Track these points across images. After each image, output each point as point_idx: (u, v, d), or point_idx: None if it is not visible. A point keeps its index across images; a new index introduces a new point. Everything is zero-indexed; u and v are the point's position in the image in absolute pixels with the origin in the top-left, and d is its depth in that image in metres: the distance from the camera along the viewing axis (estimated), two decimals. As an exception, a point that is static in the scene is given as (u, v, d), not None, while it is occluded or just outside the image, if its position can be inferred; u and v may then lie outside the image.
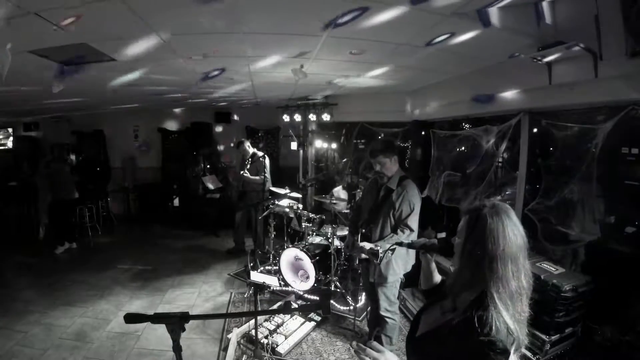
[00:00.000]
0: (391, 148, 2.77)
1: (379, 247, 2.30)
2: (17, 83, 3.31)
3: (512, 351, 1.00)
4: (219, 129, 8.10)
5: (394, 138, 6.12)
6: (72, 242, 5.87)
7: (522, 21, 2.37)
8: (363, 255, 2.66)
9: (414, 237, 2.68)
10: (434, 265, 1.48)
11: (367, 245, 2.55)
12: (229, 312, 3.85)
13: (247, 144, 5.44)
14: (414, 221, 2.68)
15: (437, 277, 1.48)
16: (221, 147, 8.15)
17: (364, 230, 2.83)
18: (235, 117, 8.07)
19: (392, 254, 2.62)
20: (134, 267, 5.12)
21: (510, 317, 1.01)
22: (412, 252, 2.68)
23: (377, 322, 2.98)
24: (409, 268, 2.85)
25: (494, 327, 0.97)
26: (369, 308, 3.22)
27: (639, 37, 1.97)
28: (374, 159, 2.75)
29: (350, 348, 1.30)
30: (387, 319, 2.86)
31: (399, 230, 2.66)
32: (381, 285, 2.82)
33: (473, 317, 1.01)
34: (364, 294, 4.05)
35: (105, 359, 3.05)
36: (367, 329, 3.43)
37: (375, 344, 1.15)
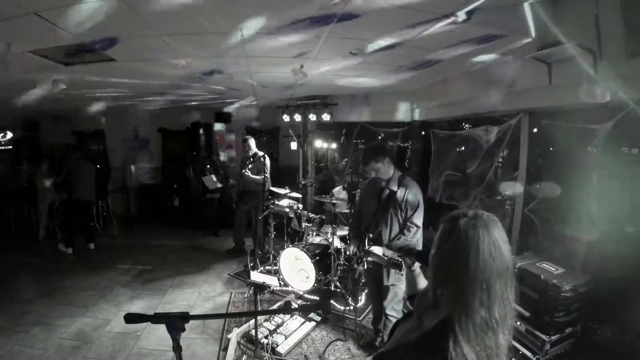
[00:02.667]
0: (381, 151, 2.72)
1: (399, 258, 2.20)
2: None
3: None
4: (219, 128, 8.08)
5: (394, 138, 6.14)
6: (91, 243, 5.84)
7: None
8: (372, 259, 2.58)
9: (420, 233, 2.69)
10: (417, 270, 1.37)
11: (378, 252, 2.49)
12: (229, 312, 3.84)
13: (252, 142, 5.44)
14: (419, 218, 2.69)
15: (423, 283, 1.36)
16: (221, 147, 8.13)
17: (371, 235, 2.76)
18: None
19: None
20: (134, 267, 5.11)
21: (473, 352, 0.86)
22: None
23: (380, 321, 3.00)
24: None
25: None
26: (371, 308, 3.17)
27: (639, 37, 1.97)
28: (367, 166, 2.72)
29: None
30: (392, 318, 2.86)
31: (405, 230, 2.65)
32: (395, 286, 2.83)
33: (431, 345, 0.90)
34: (364, 294, 4.05)
35: (105, 359, 3.04)
36: (366, 329, 3.43)
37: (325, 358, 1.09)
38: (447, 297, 0.92)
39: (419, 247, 2.65)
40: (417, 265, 1.39)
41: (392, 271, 2.69)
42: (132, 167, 8.02)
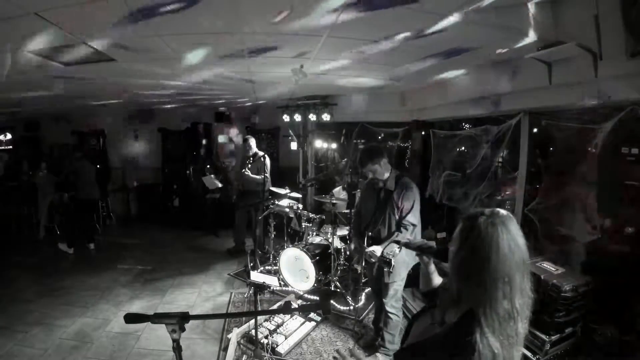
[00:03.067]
0: (377, 153, 2.78)
1: (390, 256, 2.29)
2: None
3: None
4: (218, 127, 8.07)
5: (394, 138, 6.14)
6: (91, 243, 5.84)
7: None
8: (373, 260, 2.71)
9: (417, 231, 2.74)
10: (432, 267, 1.41)
11: (377, 252, 2.62)
12: (229, 312, 3.84)
13: (253, 142, 5.44)
14: (415, 216, 2.75)
15: (437, 280, 1.41)
16: (221, 140, 8.11)
17: (370, 234, 2.86)
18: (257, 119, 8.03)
19: (400, 251, 2.62)
20: (134, 267, 5.12)
21: (497, 341, 0.92)
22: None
23: (381, 320, 3.04)
24: (412, 262, 2.89)
25: (476, 352, 0.89)
26: (372, 307, 3.26)
27: (639, 37, 1.96)
28: (364, 168, 2.80)
29: (336, 355, 1.25)
30: (392, 315, 2.91)
31: (402, 228, 2.72)
32: (395, 283, 2.88)
33: (458, 338, 0.93)
34: (364, 294, 4.06)
35: (105, 359, 3.04)
36: (366, 329, 3.44)
37: (357, 352, 1.12)
38: (469, 292, 0.97)
39: None
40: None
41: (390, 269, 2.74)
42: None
